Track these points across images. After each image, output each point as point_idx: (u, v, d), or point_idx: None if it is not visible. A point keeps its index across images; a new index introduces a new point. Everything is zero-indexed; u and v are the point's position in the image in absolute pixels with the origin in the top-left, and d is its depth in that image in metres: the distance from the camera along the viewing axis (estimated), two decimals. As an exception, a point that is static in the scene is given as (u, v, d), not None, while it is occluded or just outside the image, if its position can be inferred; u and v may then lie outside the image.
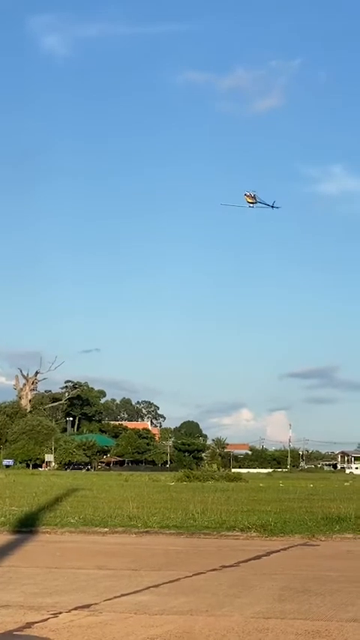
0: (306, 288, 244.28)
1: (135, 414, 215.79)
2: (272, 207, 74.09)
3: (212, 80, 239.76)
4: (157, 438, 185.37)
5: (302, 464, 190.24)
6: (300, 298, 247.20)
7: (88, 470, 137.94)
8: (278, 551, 15.87)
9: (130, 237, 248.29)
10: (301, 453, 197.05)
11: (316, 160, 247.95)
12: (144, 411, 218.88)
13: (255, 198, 72.98)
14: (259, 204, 73.32)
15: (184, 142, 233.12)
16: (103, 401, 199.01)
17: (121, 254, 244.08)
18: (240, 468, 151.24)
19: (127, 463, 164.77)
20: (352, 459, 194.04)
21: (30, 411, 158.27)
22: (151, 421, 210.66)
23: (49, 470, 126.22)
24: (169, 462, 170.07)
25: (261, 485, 56.59)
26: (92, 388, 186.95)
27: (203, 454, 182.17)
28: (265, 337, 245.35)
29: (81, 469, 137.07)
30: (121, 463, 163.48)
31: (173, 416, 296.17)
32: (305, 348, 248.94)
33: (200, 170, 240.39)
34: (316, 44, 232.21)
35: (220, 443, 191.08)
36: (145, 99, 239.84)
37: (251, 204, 72.84)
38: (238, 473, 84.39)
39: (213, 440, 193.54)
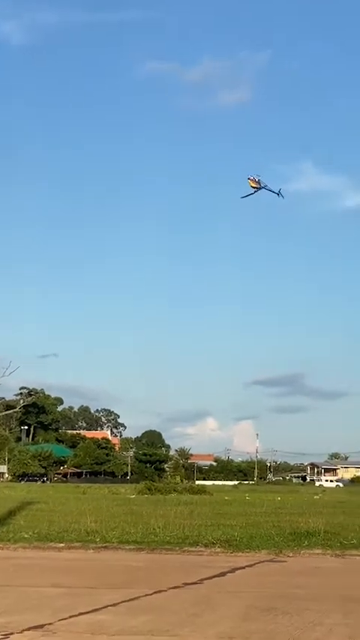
0: (272, 293, 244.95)
1: (94, 422, 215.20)
2: (278, 194, 74.63)
3: (176, 71, 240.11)
4: (117, 449, 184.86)
5: (270, 476, 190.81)
6: (265, 302, 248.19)
7: (43, 482, 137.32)
8: (244, 567, 15.91)
9: (89, 242, 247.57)
10: (268, 464, 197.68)
11: (286, 156, 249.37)
12: (103, 419, 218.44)
13: (259, 183, 73.38)
14: (264, 190, 73.82)
15: (144, 134, 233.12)
16: (60, 409, 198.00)
17: (80, 257, 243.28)
18: (204, 479, 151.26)
19: (86, 475, 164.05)
20: (323, 470, 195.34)
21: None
22: (111, 430, 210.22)
23: (3, 482, 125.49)
24: (129, 474, 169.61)
25: (226, 498, 56.69)
26: (49, 395, 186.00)
27: (166, 465, 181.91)
28: (230, 343, 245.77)
29: (36, 481, 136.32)
30: (78, 475, 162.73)
31: (134, 425, 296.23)
32: (272, 353, 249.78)
33: (161, 167, 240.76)
34: (287, 35, 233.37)
35: (183, 453, 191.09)
36: (106, 90, 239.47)
37: (255, 189, 73.32)
38: (203, 485, 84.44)
39: (176, 450, 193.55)
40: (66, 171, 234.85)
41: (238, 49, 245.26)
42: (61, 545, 19.64)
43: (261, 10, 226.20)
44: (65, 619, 10.32)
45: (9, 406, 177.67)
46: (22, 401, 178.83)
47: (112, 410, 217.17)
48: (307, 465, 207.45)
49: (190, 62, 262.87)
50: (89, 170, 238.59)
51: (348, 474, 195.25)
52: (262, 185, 71.08)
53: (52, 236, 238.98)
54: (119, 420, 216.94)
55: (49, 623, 10.00)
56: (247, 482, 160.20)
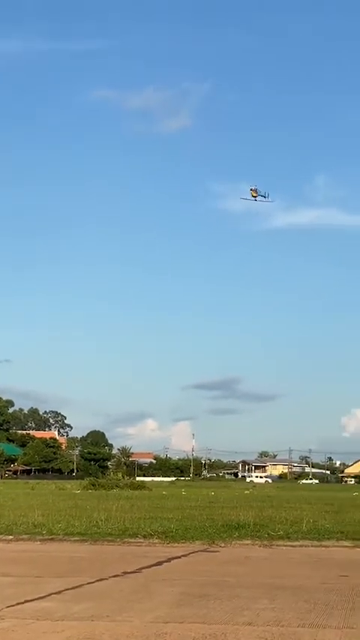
0: (209, 305, 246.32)
1: (42, 423, 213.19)
2: (265, 197, 77.64)
3: (123, 98, 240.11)
4: (63, 447, 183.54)
5: (205, 472, 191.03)
6: (203, 313, 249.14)
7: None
8: (179, 557, 15.89)
9: (38, 250, 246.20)
10: (203, 462, 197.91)
11: (223, 177, 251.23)
12: (51, 420, 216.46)
13: (257, 192, 76.57)
14: (260, 198, 77.07)
15: (91, 158, 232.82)
16: (10, 411, 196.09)
17: (28, 265, 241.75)
18: (144, 476, 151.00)
19: (34, 472, 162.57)
20: (253, 467, 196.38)
21: None
22: (58, 431, 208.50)
23: None
24: (75, 471, 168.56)
25: (164, 493, 56.64)
26: (0, 398, 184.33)
27: (109, 463, 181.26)
28: (171, 350, 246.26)
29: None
30: (28, 472, 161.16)
31: (80, 426, 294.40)
32: (209, 360, 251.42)
33: (106, 188, 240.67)
34: (226, 68, 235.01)
35: (125, 452, 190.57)
36: (57, 114, 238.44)
37: (254, 198, 76.39)
38: (142, 481, 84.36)
39: (118, 449, 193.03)
40: (18, 189, 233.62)
41: (180, 80, 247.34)
42: (10, 537, 19.41)
43: (204, 45, 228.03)
44: (12, 606, 10.19)
45: None
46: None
47: (59, 412, 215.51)
48: (238, 463, 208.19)
49: (135, 90, 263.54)
50: (37, 185, 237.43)
51: (276, 470, 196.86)
52: (259, 193, 73.96)
53: (3, 241, 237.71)
54: (66, 421, 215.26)
55: (-3, 610, 9.86)
56: (183, 478, 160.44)
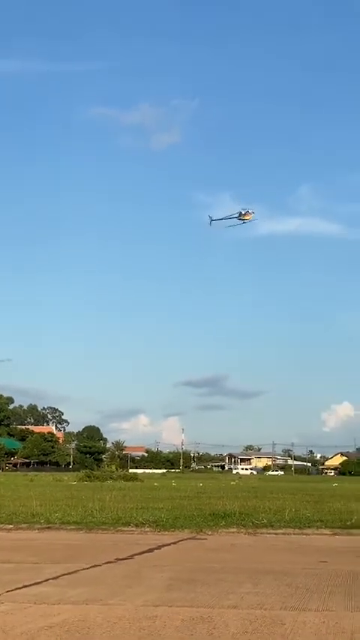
0: (199, 306, 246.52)
1: (41, 419, 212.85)
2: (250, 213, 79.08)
3: (117, 115, 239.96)
4: (61, 442, 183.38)
5: (193, 465, 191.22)
6: (193, 315, 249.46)
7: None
8: (169, 544, 15.87)
9: (38, 256, 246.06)
10: (192, 455, 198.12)
11: (209, 188, 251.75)
12: (49, 416, 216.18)
13: (247, 213, 77.49)
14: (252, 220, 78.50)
15: (88, 172, 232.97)
16: (11, 407, 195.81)
17: (29, 269, 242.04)
18: (137, 468, 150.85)
19: (33, 464, 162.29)
20: (239, 460, 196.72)
21: None
22: (56, 426, 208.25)
23: None
24: (72, 464, 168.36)
25: (155, 484, 56.55)
26: (1, 395, 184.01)
27: (103, 456, 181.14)
28: (162, 349, 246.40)
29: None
30: (27, 464, 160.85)
31: (77, 421, 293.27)
32: (198, 359, 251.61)
33: (102, 200, 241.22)
34: (212, 86, 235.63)
35: (118, 446, 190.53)
36: (56, 130, 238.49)
37: (243, 221, 77.21)
38: (135, 473, 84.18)
39: (112, 443, 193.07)
40: (14, 201, 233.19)
41: (170, 97, 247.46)
42: (10, 526, 19.33)
43: (192, 63, 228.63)
44: (11, 590, 10.15)
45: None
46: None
47: (57, 408, 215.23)
48: (225, 456, 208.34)
49: (129, 107, 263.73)
50: (38, 198, 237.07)
51: (261, 463, 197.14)
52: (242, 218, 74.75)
53: (6, 248, 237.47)
54: (63, 417, 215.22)
55: (-3, 595, 9.82)
56: (173, 470, 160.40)
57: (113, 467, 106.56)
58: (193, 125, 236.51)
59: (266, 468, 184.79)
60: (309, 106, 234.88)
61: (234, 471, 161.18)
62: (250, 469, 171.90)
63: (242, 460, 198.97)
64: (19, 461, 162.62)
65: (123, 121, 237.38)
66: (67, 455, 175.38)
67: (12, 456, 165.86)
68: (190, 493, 38.22)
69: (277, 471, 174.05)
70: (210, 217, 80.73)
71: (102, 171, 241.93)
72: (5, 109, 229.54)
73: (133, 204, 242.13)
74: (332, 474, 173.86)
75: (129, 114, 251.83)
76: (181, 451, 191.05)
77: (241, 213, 78.20)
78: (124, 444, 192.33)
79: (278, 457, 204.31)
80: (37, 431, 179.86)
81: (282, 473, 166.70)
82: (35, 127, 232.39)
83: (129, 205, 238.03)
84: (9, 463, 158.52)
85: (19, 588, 10.34)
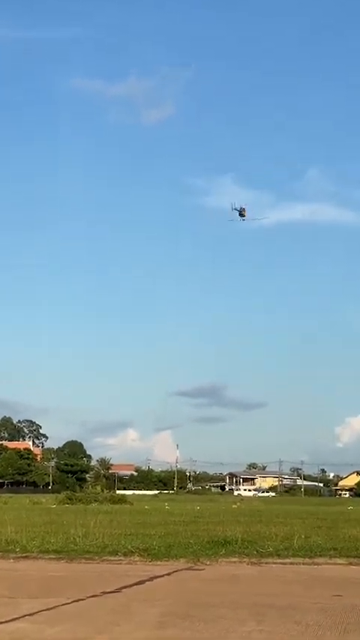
0: (195, 306, 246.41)
1: (16, 433, 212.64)
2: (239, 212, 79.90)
3: (102, 88, 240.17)
4: (38, 459, 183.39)
5: (189, 485, 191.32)
6: (189, 317, 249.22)
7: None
8: (162, 575, 15.88)
9: (11, 253, 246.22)
10: (188, 474, 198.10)
11: (205, 171, 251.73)
12: (25, 430, 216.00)
13: (245, 211, 78.26)
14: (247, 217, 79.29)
15: (70, 151, 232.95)
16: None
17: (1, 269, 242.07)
18: (125, 489, 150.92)
19: (7, 485, 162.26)
20: (241, 480, 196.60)
21: None
22: (33, 441, 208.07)
23: None
24: (51, 484, 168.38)
25: (146, 507, 56.61)
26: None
27: (87, 475, 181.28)
28: (152, 354, 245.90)
29: None
30: (0, 485, 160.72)
31: (57, 436, 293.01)
32: (193, 366, 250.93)
33: (85, 183, 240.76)
34: (209, 53, 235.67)
35: (104, 464, 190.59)
36: (33, 105, 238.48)
37: (243, 218, 78.04)
38: (123, 495, 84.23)
39: (97, 460, 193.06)
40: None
41: (161, 66, 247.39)
42: (-19, 555, 19.34)
43: (184, 28, 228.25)
44: (-17, 629, 10.17)
45: None
46: None
47: (34, 421, 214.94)
48: (225, 475, 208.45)
49: (116, 79, 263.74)
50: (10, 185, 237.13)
51: (266, 483, 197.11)
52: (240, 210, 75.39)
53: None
54: (41, 431, 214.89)
55: (-33, 633, 9.83)
56: (167, 491, 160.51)
57: (98, 488, 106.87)
58: (188, 97, 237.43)
59: (272, 489, 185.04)
60: (320, 76, 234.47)
61: (235, 493, 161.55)
62: (254, 490, 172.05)
63: (245, 480, 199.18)
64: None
65: (109, 94, 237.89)
66: (45, 474, 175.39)
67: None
68: (185, 517, 38.26)
69: (266, 492, 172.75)
70: (238, 210, 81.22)
71: (85, 151, 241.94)
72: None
73: (121, 189, 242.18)
74: (347, 495, 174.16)
75: (115, 86, 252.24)
76: (175, 470, 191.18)
77: (242, 208, 79.13)
78: (111, 462, 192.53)
79: (286, 477, 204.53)
80: (12, 447, 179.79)
81: (272, 494, 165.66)
82: (10, 100, 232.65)
83: (115, 191, 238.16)
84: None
85: (-8, 625, 10.36)
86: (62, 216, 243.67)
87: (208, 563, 18.12)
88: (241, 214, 78.72)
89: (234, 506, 68.13)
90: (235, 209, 79.45)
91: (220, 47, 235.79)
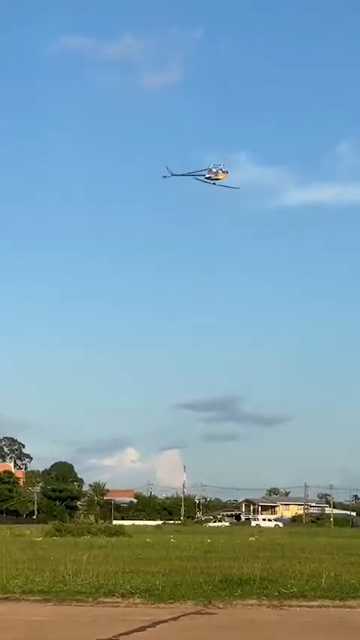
0: (204, 304, 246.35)
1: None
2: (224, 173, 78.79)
3: (94, 48, 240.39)
4: (21, 483, 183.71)
5: (199, 515, 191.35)
6: (195, 315, 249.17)
7: None
8: (166, 621, 15.89)
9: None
10: (197, 501, 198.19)
11: (217, 146, 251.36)
12: (5, 449, 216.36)
13: (217, 172, 76.76)
14: (222, 181, 77.81)
15: (55, 118, 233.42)
16: None
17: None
18: (123, 519, 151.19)
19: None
20: (259, 508, 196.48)
21: None
22: (15, 462, 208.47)
23: None
24: (36, 513, 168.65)
25: (148, 540, 56.63)
26: None
27: (78, 503, 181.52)
28: (153, 361, 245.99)
29: None
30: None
31: (42, 456, 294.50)
32: (202, 373, 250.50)
33: (72, 155, 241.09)
34: (221, 13, 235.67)
35: (98, 489, 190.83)
36: (11, 67, 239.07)
37: (213, 182, 76.48)
38: (121, 526, 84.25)
39: (90, 485, 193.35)
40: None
41: (165, 25, 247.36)
42: None
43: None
44: None
45: None
46: None
47: (15, 439, 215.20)
48: (241, 502, 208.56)
49: (111, 37, 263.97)
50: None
51: (289, 511, 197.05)
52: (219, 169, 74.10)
53: None
54: (24, 451, 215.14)
55: None
56: (172, 521, 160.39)
57: (92, 517, 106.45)
58: (196, 62, 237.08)
59: (296, 519, 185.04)
60: (349, 37, 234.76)
61: (253, 523, 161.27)
62: (275, 520, 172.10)
63: (264, 508, 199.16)
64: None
65: (102, 55, 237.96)
66: (29, 501, 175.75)
67: None
68: (194, 552, 38.26)
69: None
70: (168, 170, 79.83)
71: (73, 120, 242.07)
72: None
73: (118, 169, 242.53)
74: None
75: (110, 46, 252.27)
76: (182, 496, 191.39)
77: (211, 170, 77.27)
78: (106, 487, 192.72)
79: (312, 504, 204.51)
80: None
81: (227, 524, 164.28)
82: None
83: (110, 171, 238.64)
84: None
85: None
86: (50, 201, 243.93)
87: (221, 606, 18.12)
88: (212, 178, 77.30)
89: (251, 538, 68.09)
90: (210, 169, 78.04)
91: (235, 6, 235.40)
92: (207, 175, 77.25)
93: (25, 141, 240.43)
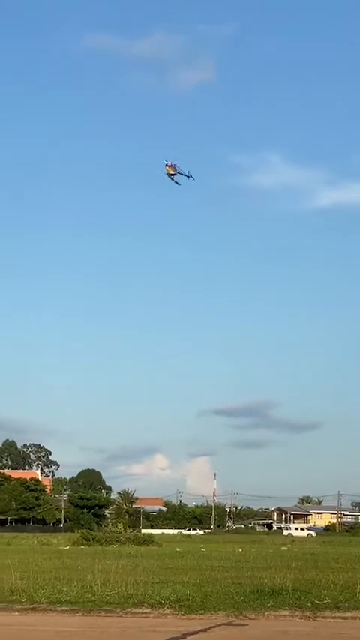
0: (234, 309, 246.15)
1: (21, 460, 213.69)
2: (188, 177, 78.31)
3: (124, 46, 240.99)
4: (48, 491, 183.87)
5: (230, 523, 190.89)
6: (226, 320, 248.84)
7: None
8: (197, 632, 15.88)
9: (19, 254, 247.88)
10: (228, 509, 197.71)
11: (250, 146, 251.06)
12: (32, 456, 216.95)
13: (175, 169, 76.60)
14: (178, 176, 77.40)
15: (84, 118, 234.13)
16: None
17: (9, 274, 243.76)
18: (152, 527, 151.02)
19: (11, 522, 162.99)
20: (291, 517, 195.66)
21: None
22: (42, 469, 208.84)
23: None
24: (63, 521, 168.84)
25: (178, 549, 56.61)
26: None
27: (106, 511, 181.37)
28: (183, 366, 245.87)
29: None
30: (2, 522, 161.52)
31: (69, 463, 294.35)
32: (234, 379, 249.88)
33: (104, 157, 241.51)
34: (254, 8, 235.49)
35: (127, 497, 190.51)
36: (42, 65, 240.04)
37: (172, 176, 76.42)
38: (150, 534, 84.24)
39: (119, 493, 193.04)
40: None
41: (196, 22, 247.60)
42: (-21, 607, 19.47)
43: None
44: None
45: None
46: None
47: (42, 445, 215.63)
48: (273, 511, 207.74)
49: (140, 35, 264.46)
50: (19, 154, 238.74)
51: (321, 520, 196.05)
52: (177, 171, 74.15)
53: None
54: (51, 458, 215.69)
55: None
56: (202, 531, 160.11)
57: (120, 526, 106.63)
58: (229, 60, 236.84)
59: (330, 528, 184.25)
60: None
61: (285, 532, 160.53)
62: (308, 529, 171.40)
63: (296, 517, 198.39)
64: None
65: (131, 53, 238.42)
66: (56, 509, 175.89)
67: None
68: (225, 562, 38.20)
69: (322, 531, 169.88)
70: (171, 165, 79.67)
71: (103, 119, 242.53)
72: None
73: (146, 166, 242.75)
74: None
75: (139, 44, 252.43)
76: (212, 504, 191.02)
77: (168, 166, 77.96)
78: (135, 495, 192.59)
79: (346, 513, 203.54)
80: (16, 476, 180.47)
81: (313, 534, 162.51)
82: (15, 59, 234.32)
83: (139, 169, 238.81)
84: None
85: None
86: (74, 200, 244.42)
87: (252, 617, 18.10)
88: (172, 174, 77.48)
89: (283, 548, 67.95)
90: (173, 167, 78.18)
91: (270, 2, 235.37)
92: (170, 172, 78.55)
93: (60, 140, 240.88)
